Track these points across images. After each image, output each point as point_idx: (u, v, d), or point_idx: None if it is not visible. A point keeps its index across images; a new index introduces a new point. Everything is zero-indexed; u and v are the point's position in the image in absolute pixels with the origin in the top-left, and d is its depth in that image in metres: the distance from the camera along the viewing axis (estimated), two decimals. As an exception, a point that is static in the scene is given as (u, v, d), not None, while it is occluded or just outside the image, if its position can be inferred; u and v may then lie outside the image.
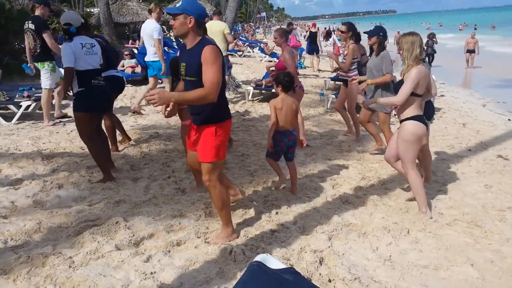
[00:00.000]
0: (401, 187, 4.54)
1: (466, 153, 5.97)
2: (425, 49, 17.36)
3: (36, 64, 7.10)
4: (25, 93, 7.47)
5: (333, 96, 8.83)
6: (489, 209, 4.08)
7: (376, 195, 4.31)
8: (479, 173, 5.15)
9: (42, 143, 5.99)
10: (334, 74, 11.99)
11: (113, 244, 3.15)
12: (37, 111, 7.96)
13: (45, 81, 6.98)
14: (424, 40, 17.16)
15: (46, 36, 6.73)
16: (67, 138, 6.33)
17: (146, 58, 7.76)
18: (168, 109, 3.60)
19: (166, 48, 15.61)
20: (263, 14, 69.76)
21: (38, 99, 7.59)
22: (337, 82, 11.14)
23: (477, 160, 5.61)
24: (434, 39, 17.46)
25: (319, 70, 15.55)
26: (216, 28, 7.91)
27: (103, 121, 5.21)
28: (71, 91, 4.57)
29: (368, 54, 6.95)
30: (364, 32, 5.62)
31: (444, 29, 46.40)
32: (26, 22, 6.84)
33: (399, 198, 4.31)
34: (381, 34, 5.42)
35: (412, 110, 3.76)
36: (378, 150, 5.73)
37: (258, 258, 1.98)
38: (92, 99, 4.45)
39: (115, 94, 5.72)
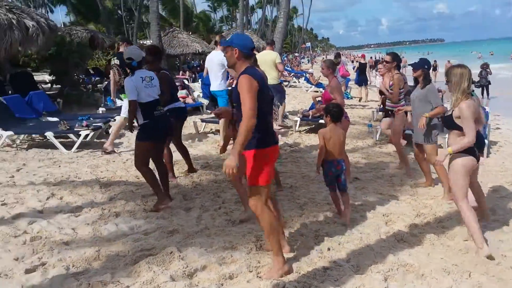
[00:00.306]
0: (459, 225, 4.36)
1: (528, 190, 5.66)
2: (479, 80, 16.61)
3: (120, 95, 7.77)
4: (84, 123, 7.87)
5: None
6: (557, 252, 3.82)
7: (433, 234, 4.16)
8: (543, 212, 4.86)
9: (100, 172, 6.27)
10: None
11: (168, 275, 3.21)
12: (95, 140, 8.37)
13: (124, 110, 7.31)
14: (478, 71, 16.60)
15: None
16: (123, 167, 6.59)
17: (212, 88, 7.85)
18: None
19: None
20: (308, 44, 70.44)
21: (96, 128, 8.00)
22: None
23: (540, 198, 5.30)
24: (488, 70, 16.84)
25: (367, 101, 15.49)
26: (267, 58, 8.33)
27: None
28: (136, 123, 4.85)
29: (412, 83, 6.94)
30: (409, 65, 5.65)
31: (495, 58, 44.97)
32: (112, 58, 7.49)
33: (458, 237, 4.13)
34: (426, 66, 5.41)
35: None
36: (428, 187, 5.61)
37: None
38: (155, 130, 4.73)
39: (180, 124, 6.03)
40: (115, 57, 7.42)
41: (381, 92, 7.36)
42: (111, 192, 5.32)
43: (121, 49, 7.56)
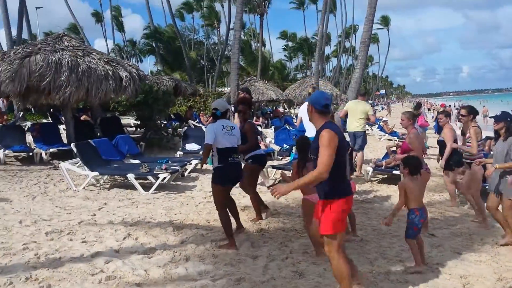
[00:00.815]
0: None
1: None
2: None
3: None
4: (163, 166, 8.34)
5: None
6: None
7: (518, 302, 3.81)
8: None
9: (174, 214, 6.57)
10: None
11: (234, 325, 3.24)
12: (171, 182, 8.81)
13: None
14: None
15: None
16: (195, 210, 6.85)
17: (309, 135, 8.20)
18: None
19: (286, 126, 16.39)
20: (382, 91, 69.60)
21: (174, 172, 8.44)
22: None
23: None
24: None
25: None
26: (360, 107, 9.40)
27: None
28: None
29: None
30: (491, 117, 5.50)
31: None
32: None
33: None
34: (508, 119, 5.28)
35: None
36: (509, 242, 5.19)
37: None
38: (228, 174, 5.10)
39: (261, 169, 6.68)
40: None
41: (441, 147, 6.99)
42: (183, 235, 5.53)
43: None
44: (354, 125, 9.58)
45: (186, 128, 14.51)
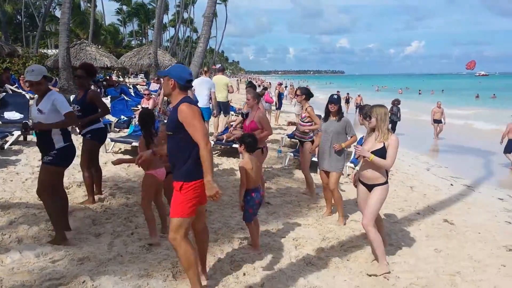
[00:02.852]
0: (359, 249, 4.76)
1: (415, 216, 6.37)
2: (390, 115, 16.78)
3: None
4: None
5: (291, 154, 9.17)
6: (440, 273, 4.37)
7: (337, 257, 4.50)
8: (428, 237, 5.51)
9: (-4, 192, 5.76)
10: (290, 131, 12.53)
11: (81, 306, 3.08)
12: (-11, 155, 7.65)
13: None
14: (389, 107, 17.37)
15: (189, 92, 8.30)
16: (22, 187, 6.12)
17: (200, 105, 8.74)
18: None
19: (124, 96, 15.67)
20: (219, 65, 71.47)
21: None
22: (292, 140, 11.60)
23: (425, 224, 6.00)
24: (399, 106, 16.06)
25: (278, 124, 16.35)
26: (222, 81, 10.80)
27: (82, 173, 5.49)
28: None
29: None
30: (329, 100, 5.84)
31: (387, 91, 50.53)
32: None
33: (358, 260, 4.52)
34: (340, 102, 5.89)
35: (384, 175, 4.25)
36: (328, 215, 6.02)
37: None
38: (72, 154, 4.43)
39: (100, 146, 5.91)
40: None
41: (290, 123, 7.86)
42: (11, 215, 4.92)
43: (205, 76, 10.14)
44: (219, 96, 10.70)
45: (3, 94, 12.64)
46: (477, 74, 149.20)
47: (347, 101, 26.03)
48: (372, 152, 4.21)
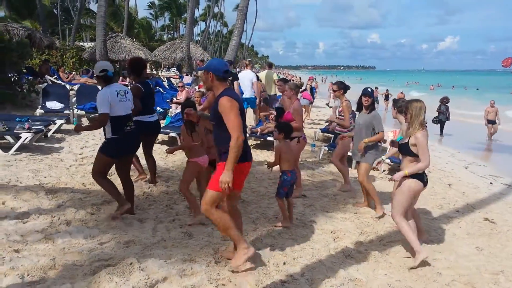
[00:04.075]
0: (399, 244, 4.73)
1: (455, 214, 6.24)
2: (438, 114, 15.20)
3: None
4: (26, 125, 7.48)
5: (326, 148, 9.14)
6: (482, 271, 4.28)
7: (377, 251, 4.48)
8: (469, 234, 5.40)
9: (43, 177, 6.01)
10: (324, 125, 12.48)
11: (131, 286, 3.19)
12: (34, 143, 7.96)
13: None
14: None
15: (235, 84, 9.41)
16: (67, 173, 6.36)
17: (245, 96, 10.42)
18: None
19: (159, 89, 15.92)
20: (248, 59, 71.56)
21: (38, 131, 7.63)
22: (325, 134, 11.56)
23: (466, 222, 5.88)
24: (447, 104, 15.04)
25: (310, 119, 16.24)
26: (270, 76, 11.80)
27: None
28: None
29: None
30: (363, 93, 5.87)
31: (419, 87, 49.64)
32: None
33: (398, 255, 4.49)
34: (373, 95, 5.86)
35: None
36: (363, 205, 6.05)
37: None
38: (122, 146, 4.60)
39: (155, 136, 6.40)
40: None
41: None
42: (58, 199, 5.13)
43: (247, 69, 10.84)
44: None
45: (45, 84, 13.10)
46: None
47: (387, 98, 25.29)
48: (399, 146, 4.31)
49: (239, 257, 3.61)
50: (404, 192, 4.21)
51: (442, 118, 14.71)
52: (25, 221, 4.34)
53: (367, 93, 5.76)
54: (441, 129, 15.25)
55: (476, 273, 4.24)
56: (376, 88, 24.89)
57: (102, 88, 4.57)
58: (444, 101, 14.99)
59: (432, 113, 13.91)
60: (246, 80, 10.59)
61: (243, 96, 10.42)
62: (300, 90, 17.37)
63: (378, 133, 5.71)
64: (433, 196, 7.08)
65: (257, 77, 11.17)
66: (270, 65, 12.61)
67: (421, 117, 4.15)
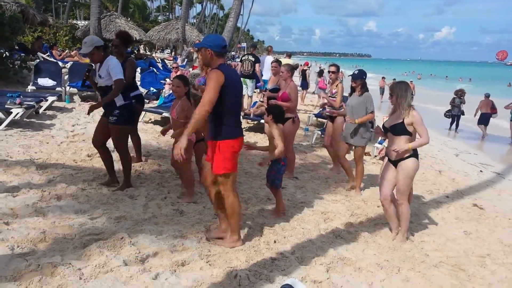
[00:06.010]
0: (387, 226, 4.77)
1: (444, 199, 6.31)
2: (451, 108, 14.46)
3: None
4: (17, 100, 7.39)
5: (319, 132, 9.15)
6: (470, 254, 4.35)
7: (367, 232, 4.52)
8: (457, 219, 5.46)
9: (34, 152, 5.96)
10: (317, 110, 12.48)
11: (121, 259, 3.19)
12: (25, 119, 7.88)
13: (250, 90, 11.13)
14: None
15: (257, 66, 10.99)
16: (58, 149, 6.31)
17: (265, 78, 11.60)
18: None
19: (153, 69, 15.76)
20: (244, 44, 70.86)
21: (29, 107, 7.54)
22: (319, 119, 11.55)
23: (455, 207, 5.94)
24: (463, 98, 14.07)
25: (304, 104, 16.20)
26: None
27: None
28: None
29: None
30: (349, 75, 6.03)
31: (411, 76, 49.96)
32: (247, 55, 11.16)
33: (387, 236, 4.54)
34: (364, 77, 5.92)
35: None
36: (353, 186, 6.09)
37: (288, 281, 2.14)
38: (134, 111, 4.92)
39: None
40: (250, 56, 11.14)
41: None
42: (49, 174, 5.10)
43: (253, 51, 11.69)
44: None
45: (38, 61, 12.91)
46: (509, 63, 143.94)
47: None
48: (391, 127, 4.27)
49: (226, 243, 3.76)
50: (410, 174, 4.25)
51: (455, 112, 13.90)
52: (15, 194, 4.32)
53: (353, 76, 5.87)
54: (456, 124, 14.40)
55: (463, 255, 4.30)
56: (383, 78, 24.61)
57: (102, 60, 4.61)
58: (459, 93, 14.16)
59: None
60: (267, 64, 11.54)
61: (263, 78, 11.73)
62: (318, 76, 17.40)
63: (369, 113, 5.79)
64: (424, 182, 7.14)
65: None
66: (290, 55, 14.57)
67: (408, 98, 4.17)
